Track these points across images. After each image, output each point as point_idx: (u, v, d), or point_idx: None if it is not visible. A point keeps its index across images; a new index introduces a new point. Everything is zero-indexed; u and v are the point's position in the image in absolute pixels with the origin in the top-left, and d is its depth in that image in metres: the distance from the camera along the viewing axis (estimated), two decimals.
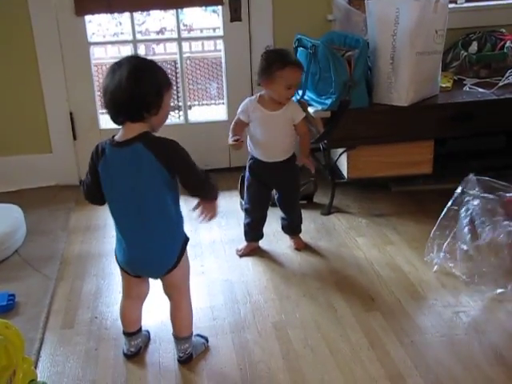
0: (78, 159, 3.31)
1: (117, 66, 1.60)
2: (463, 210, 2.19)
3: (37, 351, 1.91)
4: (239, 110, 2.39)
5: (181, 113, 3.44)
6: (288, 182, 2.48)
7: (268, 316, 2.08)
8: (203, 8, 3.57)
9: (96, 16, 3.30)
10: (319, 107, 2.67)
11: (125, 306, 1.87)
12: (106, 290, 2.29)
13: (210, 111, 4.15)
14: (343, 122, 2.60)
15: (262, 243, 2.57)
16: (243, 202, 2.83)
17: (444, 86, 2.92)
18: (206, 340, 1.94)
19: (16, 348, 1.52)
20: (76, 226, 2.85)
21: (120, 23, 3.81)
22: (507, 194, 2.18)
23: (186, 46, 3.94)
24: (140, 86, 1.57)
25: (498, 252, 2.13)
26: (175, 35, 3.26)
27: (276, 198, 2.52)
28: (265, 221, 2.54)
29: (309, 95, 2.75)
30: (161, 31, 3.96)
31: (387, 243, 2.56)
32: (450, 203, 2.25)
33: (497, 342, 1.89)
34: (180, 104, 3.45)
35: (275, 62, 2.25)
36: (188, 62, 4.08)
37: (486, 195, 2.15)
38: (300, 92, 2.81)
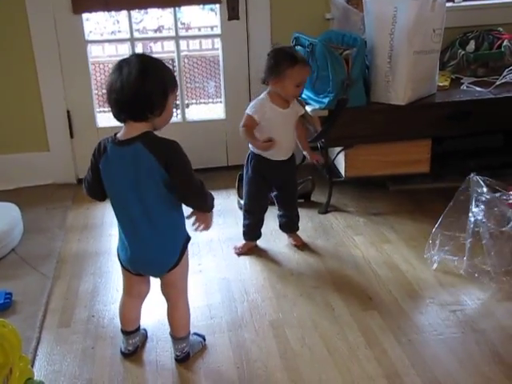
0: (75, 157, 3.30)
1: (124, 64, 1.59)
2: (468, 208, 2.19)
3: (34, 350, 1.91)
4: (252, 110, 2.32)
5: (178, 111, 3.43)
6: (291, 180, 2.51)
7: (265, 315, 2.07)
8: (201, 6, 3.57)
9: (93, 14, 3.30)
10: (317, 106, 2.67)
11: (125, 305, 1.86)
12: (103, 288, 2.28)
13: (208, 110, 4.14)
14: (341, 121, 2.60)
15: (259, 242, 2.57)
16: (241, 201, 2.84)
17: (441, 84, 2.92)
18: (204, 338, 1.93)
19: (13, 346, 1.52)
20: (73, 225, 2.84)
21: (117, 21, 3.81)
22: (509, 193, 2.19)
23: (183, 44, 3.95)
24: (146, 85, 1.56)
25: (500, 250, 2.13)
26: (173, 33, 3.26)
27: (275, 196, 2.52)
28: (263, 220, 2.53)
29: (306, 94, 2.75)
30: (158, 29, 3.97)
31: (385, 242, 2.57)
32: (452, 202, 2.24)
33: (494, 340, 1.89)
34: (178, 102, 3.45)
35: (284, 60, 2.24)
36: (186, 60, 4.08)
37: (489, 194, 2.15)
38: None
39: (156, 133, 1.66)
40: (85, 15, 3.12)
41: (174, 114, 3.51)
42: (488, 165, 2.91)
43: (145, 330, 1.97)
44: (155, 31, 4.21)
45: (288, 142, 2.39)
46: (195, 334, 1.93)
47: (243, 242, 2.54)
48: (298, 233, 2.60)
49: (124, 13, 3.16)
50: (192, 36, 3.97)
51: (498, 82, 2.91)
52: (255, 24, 3.21)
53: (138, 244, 1.70)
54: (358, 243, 2.56)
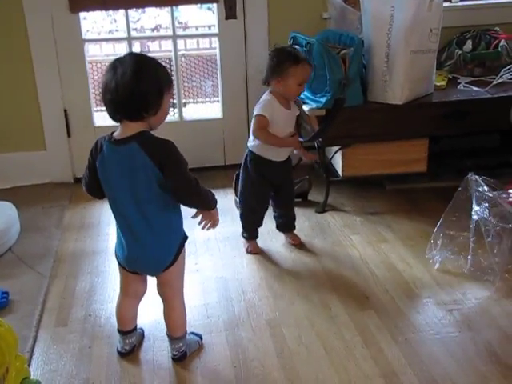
0: (73, 157, 3.30)
1: (118, 63, 1.58)
2: (468, 207, 2.19)
3: (30, 349, 1.90)
4: (263, 110, 2.29)
5: (176, 110, 3.43)
6: (289, 180, 2.52)
7: (262, 314, 2.08)
8: (198, 5, 3.56)
9: (91, 13, 3.30)
10: (314, 105, 2.67)
11: (121, 305, 1.86)
12: (100, 287, 2.28)
13: (205, 109, 4.14)
14: (338, 120, 2.60)
15: (258, 241, 2.57)
16: (237, 200, 2.84)
17: (438, 84, 2.92)
18: (200, 338, 1.93)
19: (9, 346, 1.52)
20: (70, 224, 2.84)
21: (115, 20, 3.81)
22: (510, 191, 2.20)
23: (181, 43, 3.94)
24: (141, 85, 1.55)
25: (504, 247, 2.14)
26: (170, 33, 3.25)
27: (272, 197, 2.52)
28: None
29: (303, 93, 2.74)
30: (156, 28, 3.96)
31: (382, 241, 2.57)
32: (451, 202, 2.25)
33: (491, 339, 1.90)
34: (175, 101, 3.45)
35: (287, 59, 2.25)
36: (183, 59, 4.08)
37: (490, 192, 2.16)
38: None
39: (154, 132, 1.66)
40: (82, 14, 3.12)
41: (172, 113, 3.52)
42: (485, 164, 2.91)
43: (141, 329, 1.97)
44: (153, 30, 4.20)
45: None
46: (192, 333, 1.93)
47: (248, 242, 2.53)
48: (296, 232, 2.60)
49: (121, 12, 3.16)
50: (189, 35, 3.96)
51: (494, 82, 2.91)
52: (252, 23, 3.21)
53: (134, 243, 1.70)
54: (355, 242, 2.56)
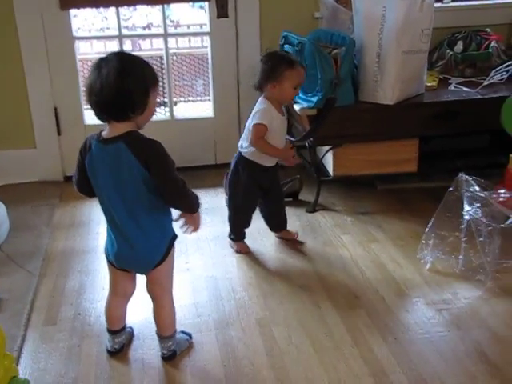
0: (63, 155, 3.28)
1: (102, 63, 1.56)
2: (458, 208, 2.20)
3: (19, 348, 1.89)
4: (262, 119, 2.27)
5: (166, 109, 3.42)
6: (276, 181, 2.52)
7: (252, 313, 2.08)
8: (190, 4, 3.55)
9: (81, 10, 3.27)
10: (305, 105, 2.67)
11: (110, 304, 1.86)
12: (90, 286, 2.27)
13: (196, 108, 4.13)
14: (329, 120, 2.60)
15: (247, 241, 2.57)
16: (227, 198, 2.84)
17: (429, 84, 2.93)
18: (190, 337, 1.93)
19: None
20: (60, 223, 2.83)
21: (106, 18, 3.79)
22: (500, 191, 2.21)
23: (172, 41, 3.93)
24: (126, 85, 1.54)
25: (496, 247, 2.16)
26: (161, 31, 3.24)
27: (262, 199, 2.51)
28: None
29: None
30: (147, 27, 3.95)
31: (372, 241, 2.57)
32: (442, 202, 2.25)
33: (479, 339, 1.91)
34: (166, 100, 3.44)
35: (281, 62, 2.24)
36: (174, 58, 4.06)
37: (482, 192, 2.17)
38: None
39: (143, 131, 1.65)
40: (72, 11, 3.10)
41: (162, 112, 3.51)
42: (475, 164, 2.92)
43: (131, 328, 1.97)
44: (144, 28, 4.18)
45: (283, 147, 2.40)
46: (182, 332, 1.93)
47: (236, 243, 2.52)
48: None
49: (112, 9, 3.14)
50: (181, 34, 3.94)
51: (485, 83, 2.93)
52: (244, 22, 3.20)
53: (123, 241, 1.69)
54: (346, 242, 2.56)
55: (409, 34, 2.58)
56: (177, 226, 1.78)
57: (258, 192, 2.46)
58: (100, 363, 1.84)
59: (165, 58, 3.29)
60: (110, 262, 1.78)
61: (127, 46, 3.82)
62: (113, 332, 1.86)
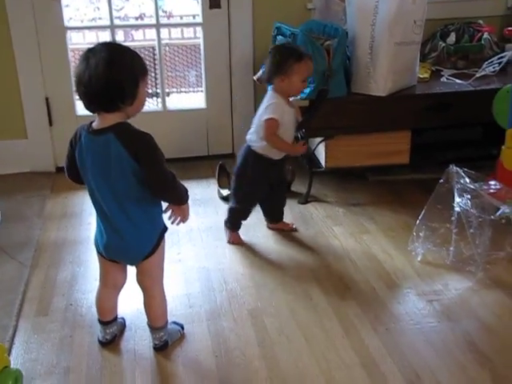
0: (54, 145, 3.27)
1: (91, 54, 1.54)
2: (449, 200, 2.21)
3: (10, 338, 1.89)
4: (275, 114, 2.25)
5: (159, 100, 3.41)
6: (285, 175, 2.54)
7: (244, 304, 2.08)
8: None
9: (73, 0, 3.25)
10: (297, 96, 2.66)
11: (101, 295, 1.85)
12: (82, 277, 2.27)
13: (189, 99, 4.12)
14: (321, 112, 2.60)
15: (239, 231, 2.57)
16: (221, 191, 2.85)
17: (422, 76, 2.93)
18: (182, 327, 1.94)
19: None
20: (52, 213, 2.82)
21: (98, 8, 3.76)
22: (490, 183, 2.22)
23: (165, 32, 3.91)
24: (115, 76, 1.52)
25: (486, 238, 2.17)
26: (154, 21, 3.23)
27: (269, 191, 2.50)
28: None
29: None
30: (140, 17, 3.93)
31: (364, 232, 2.58)
32: (433, 194, 2.26)
33: (469, 329, 1.92)
34: (158, 91, 3.43)
35: (290, 55, 2.22)
36: (167, 48, 4.05)
37: (472, 184, 2.18)
38: None
39: (136, 123, 1.64)
40: (64, 1, 3.08)
41: (155, 103, 3.50)
42: (467, 157, 2.94)
43: (123, 318, 1.97)
44: (136, 19, 4.17)
45: (292, 139, 2.39)
46: (174, 322, 1.93)
47: (231, 233, 2.51)
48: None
49: (104, 0, 3.13)
50: (173, 24, 3.93)
51: (477, 75, 2.94)
52: (237, 13, 3.19)
53: (112, 232, 1.69)
54: (338, 233, 2.57)
55: (401, 26, 2.58)
56: (165, 217, 1.78)
57: (266, 185, 2.44)
58: (92, 353, 1.84)
59: (157, 48, 3.28)
60: (99, 254, 1.78)
61: (120, 37, 3.80)
62: (104, 323, 1.86)
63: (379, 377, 1.72)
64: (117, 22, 3.28)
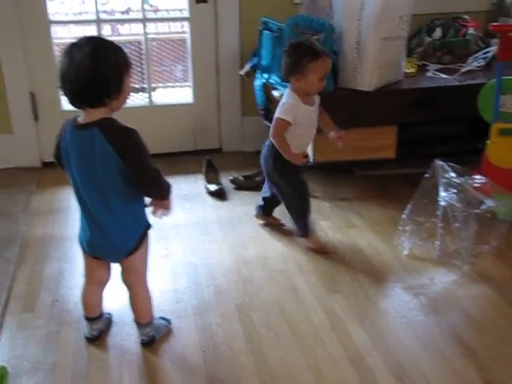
0: (40, 141, 3.24)
1: (74, 49, 1.52)
2: (435, 194, 2.22)
3: None
4: (287, 114, 2.21)
5: (145, 95, 3.40)
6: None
7: (231, 299, 2.08)
8: None
9: None
10: (284, 91, 2.66)
11: (86, 292, 1.85)
12: (69, 273, 2.26)
13: (175, 93, 4.11)
14: None
15: (226, 227, 2.58)
16: (208, 186, 2.84)
17: (408, 71, 2.94)
18: (169, 322, 1.94)
19: None
20: (38, 209, 2.80)
21: (83, 2, 3.72)
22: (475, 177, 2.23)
23: (152, 26, 3.89)
24: (100, 71, 1.51)
25: (471, 232, 2.18)
26: (141, 16, 3.21)
27: None
28: None
29: (274, 78, 2.75)
30: (126, 11, 3.89)
31: (350, 227, 2.59)
32: (419, 189, 2.27)
33: (455, 323, 1.94)
34: (145, 86, 3.41)
35: (306, 54, 2.16)
36: (153, 43, 4.02)
37: (457, 178, 2.19)
38: (266, 75, 2.81)
39: (122, 118, 1.63)
40: None
41: (141, 98, 3.49)
42: (452, 151, 2.95)
43: (109, 314, 1.96)
44: (123, 13, 4.13)
45: (313, 136, 2.37)
46: (161, 318, 1.93)
47: (308, 239, 2.42)
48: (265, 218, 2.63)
49: None
50: (160, 18, 3.89)
51: (463, 70, 2.95)
52: (224, 8, 3.18)
53: (96, 228, 1.68)
54: (325, 228, 2.58)
55: (387, 21, 2.59)
56: (148, 211, 1.77)
57: (299, 174, 2.38)
58: (78, 349, 1.84)
59: (144, 43, 3.26)
60: (84, 251, 1.77)
61: (106, 31, 3.77)
62: (90, 319, 1.86)
63: (366, 370, 1.73)
64: (103, 16, 3.26)
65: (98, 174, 1.59)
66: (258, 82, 2.96)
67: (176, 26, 4.30)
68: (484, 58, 3.01)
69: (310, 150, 2.82)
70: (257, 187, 2.94)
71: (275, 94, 2.67)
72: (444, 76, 2.92)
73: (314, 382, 1.69)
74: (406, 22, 2.70)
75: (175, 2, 3.83)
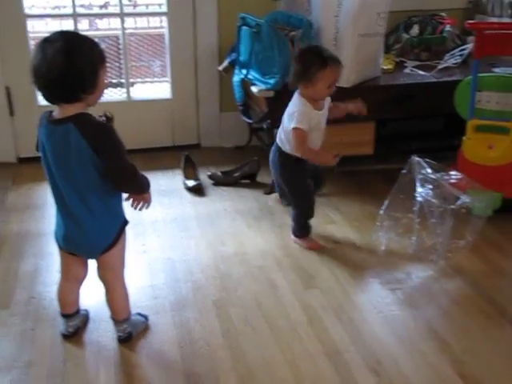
0: (16, 136, 3.20)
1: (47, 44, 1.50)
2: (412, 189, 2.24)
3: None
4: (303, 123, 2.18)
5: (123, 90, 3.37)
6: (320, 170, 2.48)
7: (209, 294, 2.08)
8: None
9: None
10: (263, 87, 2.66)
11: (62, 289, 1.83)
12: (45, 269, 2.24)
13: (153, 89, 4.09)
14: (286, 102, 2.60)
15: (204, 223, 2.57)
16: (186, 182, 2.83)
17: (386, 67, 2.96)
18: (146, 318, 1.93)
19: None
20: (14, 205, 2.77)
21: None
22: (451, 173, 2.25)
23: (131, 21, 3.87)
24: (75, 64, 1.49)
25: (447, 227, 2.20)
26: (119, 10, 3.19)
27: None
28: None
29: (252, 74, 2.75)
30: (104, 6, 3.86)
31: (329, 223, 2.60)
32: (396, 184, 2.28)
33: (430, 317, 1.96)
34: (122, 81, 3.39)
35: (314, 63, 2.14)
36: (132, 38, 4.00)
37: (434, 174, 2.21)
38: (244, 71, 2.81)
39: (96, 114, 1.62)
40: None
41: (119, 93, 3.46)
42: (429, 147, 2.98)
43: (86, 310, 1.95)
44: (101, 7, 4.09)
45: (323, 138, 2.36)
46: (138, 314, 1.92)
47: (306, 239, 2.42)
48: (244, 214, 2.64)
49: None
50: (137, 13, 3.87)
51: (439, 67, 2.98)
52: (202, 3, 3.17)
53: (72, 224, 1.66)
54: None
55: (365, 17, 2.60)
56: (128, 205, 1.76)
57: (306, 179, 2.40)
58: (54, 346, 1.82)
59: (121, 37, 3.24)
60: (60, 247, 1.76)
61: (83, 25, 3.74)
62: (66, 316, 1.85)
63: (343, 365, 1.74)
64: (80, 10, 3.23)
65: (73, 169, 1.57)
66: (236, 78, 2.96)
67: (155, 21, 4.28)
68: (460, 55, 3.04)
69: None
70: (235, 183, 2.95)
71: (254, 89, 2.67)
72: (421, 73, 2.94)
73: (292, 378, 1.70)
74: (383, 18, 2.71)
75: None
